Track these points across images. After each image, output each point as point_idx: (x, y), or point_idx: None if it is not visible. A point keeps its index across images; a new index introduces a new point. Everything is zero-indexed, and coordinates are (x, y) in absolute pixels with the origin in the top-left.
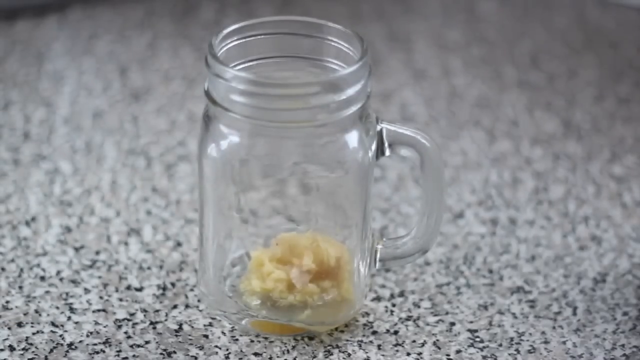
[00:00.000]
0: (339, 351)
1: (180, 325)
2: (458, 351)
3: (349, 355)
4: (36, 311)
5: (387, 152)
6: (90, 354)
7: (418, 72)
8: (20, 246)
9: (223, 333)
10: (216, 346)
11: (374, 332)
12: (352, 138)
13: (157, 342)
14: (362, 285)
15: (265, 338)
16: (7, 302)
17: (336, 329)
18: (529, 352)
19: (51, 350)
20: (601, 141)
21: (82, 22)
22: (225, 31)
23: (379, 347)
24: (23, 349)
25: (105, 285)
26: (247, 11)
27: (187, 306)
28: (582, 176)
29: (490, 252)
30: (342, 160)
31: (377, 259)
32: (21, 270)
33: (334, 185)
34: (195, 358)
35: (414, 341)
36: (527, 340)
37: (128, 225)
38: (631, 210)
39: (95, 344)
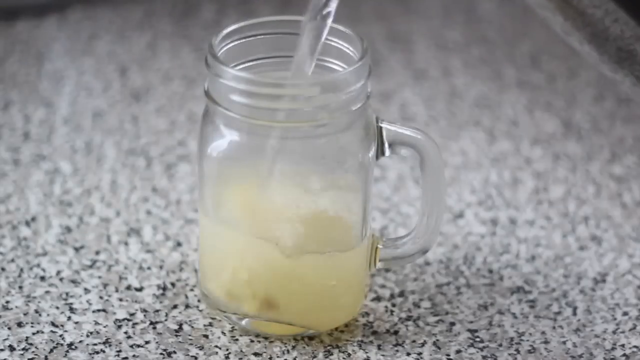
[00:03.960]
0: (339, 351)
1: (180, 325)
2: (458, 351)
3: (349, 355)
4: (36, 311)
5: (387, 152)
6: (90, 354)
7: (418, 72)
8: (20, 246)
9: (223, 333)
10: (216, 346)
11: (374, 332)
12: (352, 138)
13: (157, 342)
14: (362, 285)
15: (265, 338)
16: (7, 302)
17: (336, 329)
18: (529, 352)
19: (51, 350)
20: (601, 141)
21: (82, 22)
22: (225, 31)
23: (379, 347)
24: (23, 349)
25: (105, 285)
26: (247, 11)
27: (187, 306)
28: (582, 176)
29: (490, 252)
30: (342, 160)
31: (377, 259)
32: (21, 270)
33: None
34: (195, 358)
35: (414, 341)
36: (527, 340)
37: (128, 225)
38: (631, 210)
39: (95, 344)
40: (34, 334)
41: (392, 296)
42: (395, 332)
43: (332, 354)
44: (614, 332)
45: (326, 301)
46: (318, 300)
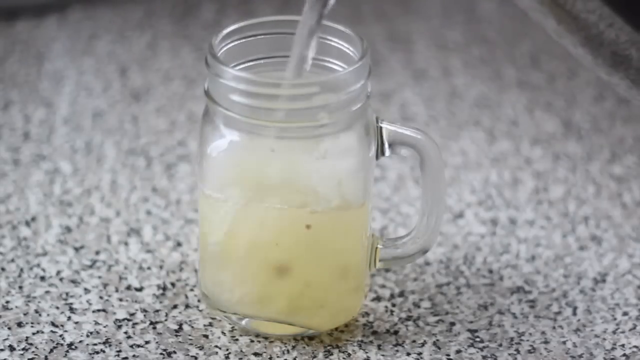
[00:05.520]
0: (339, 351)
1: (180, 325)
2: (458, 351)
3: (349, 355)
4: (36, 311)
5: (387, 152)
6: (90, 354)
7: (418, 72)
8: (20, 246)
9: (223, 333)
10: (216, 346)
11: (374, 332)
12: (352, 138)
13: (157, 342)
14: (362, 285)
15: (265, 338)
16: (7, 302)
17: (336, 329)
18: (529, 352)
19: (51, 350)
20: (601, 141)
21: (82, 22)
22: (225, 31)
23: (379, 347)
24: (23, 349)
25: (105, 285)
26: (247, 11)
27: (187, 306)
28: (582, 176)
29: (490, 252)
30: (342, 160)
31: (377, 259)
32: (21, 270)
33: None
34: (195, 358)
35: (414, 341)
36: (527, 340)
37: (128, 225)
38: (631, 210)
39: (95, 344)
40: (34, 334)
41: (392, 296)
42: (395, 332)
43: (332, 354)
44: (614, 332)
45: (326, 300)
46: (327, 263)
